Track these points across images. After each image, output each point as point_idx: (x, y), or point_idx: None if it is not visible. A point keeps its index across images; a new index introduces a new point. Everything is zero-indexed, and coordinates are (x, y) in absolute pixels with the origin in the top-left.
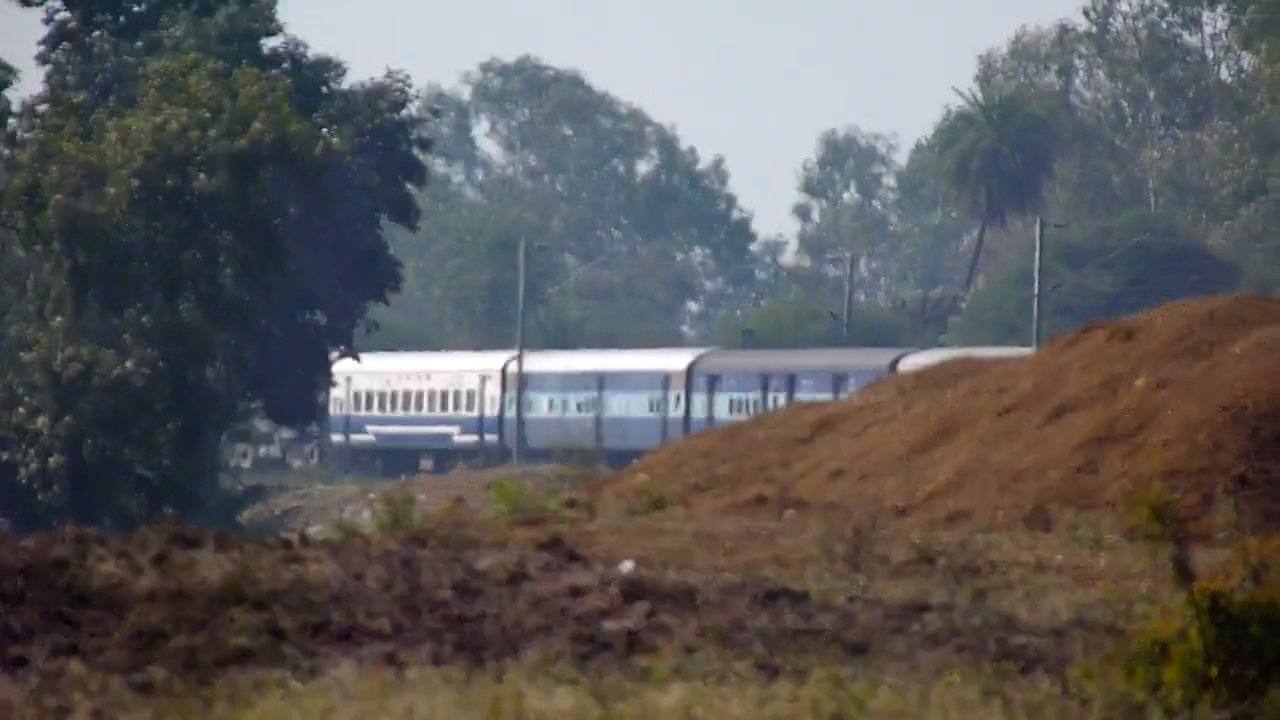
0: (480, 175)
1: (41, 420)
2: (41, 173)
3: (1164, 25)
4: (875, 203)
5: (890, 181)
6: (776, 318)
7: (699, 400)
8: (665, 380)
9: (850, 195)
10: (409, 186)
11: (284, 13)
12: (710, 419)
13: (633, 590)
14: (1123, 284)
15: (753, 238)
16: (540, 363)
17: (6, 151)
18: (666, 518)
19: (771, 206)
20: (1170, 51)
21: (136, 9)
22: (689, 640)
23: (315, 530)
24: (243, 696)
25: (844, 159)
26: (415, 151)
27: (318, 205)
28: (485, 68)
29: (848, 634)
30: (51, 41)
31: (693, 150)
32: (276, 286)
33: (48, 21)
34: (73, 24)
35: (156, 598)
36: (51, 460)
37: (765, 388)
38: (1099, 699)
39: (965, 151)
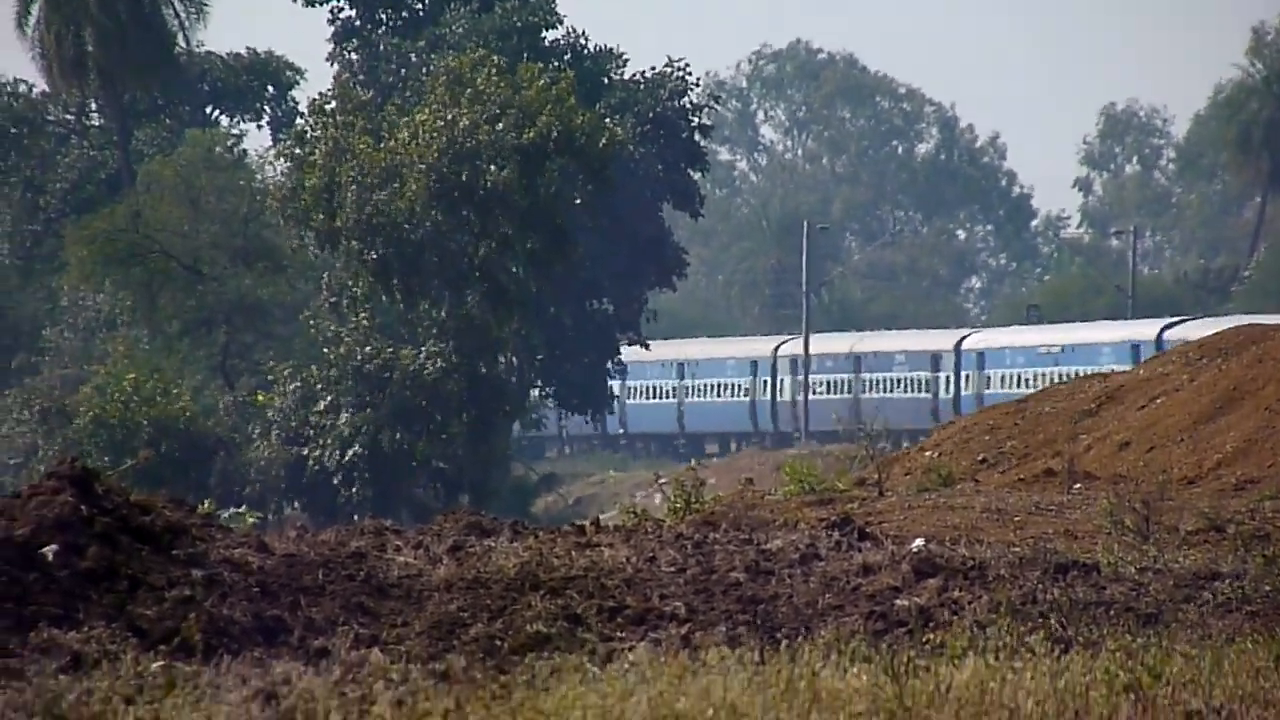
0: (763, 160)
1: (344, 416)
2: (335, 171)
3: None
4: (1156, 174)
5: (1170, 154)
6: (1061, 293)
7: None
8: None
9: (1131, 168)
10: (691, 173)
11: (562, 5)
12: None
13: (924, 567)
14: None
15: (1033, 214)
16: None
17: (298, 150)
18: (955, 494)
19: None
20: None
21: (418, 6)
22: (981, 615)
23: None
24: (541, 682)
25: (1123, 132)
26: (697, 138)
27: (603, 195)
28: (757, 54)
29: (1139, 604)
30: (338, 40)
31: (971, 128)
32: (564, 276)
33: (331, 21)
34: (356, 23)
35: (454, 587)
36: (350, 453)
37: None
38: None
39: (1247, 122)
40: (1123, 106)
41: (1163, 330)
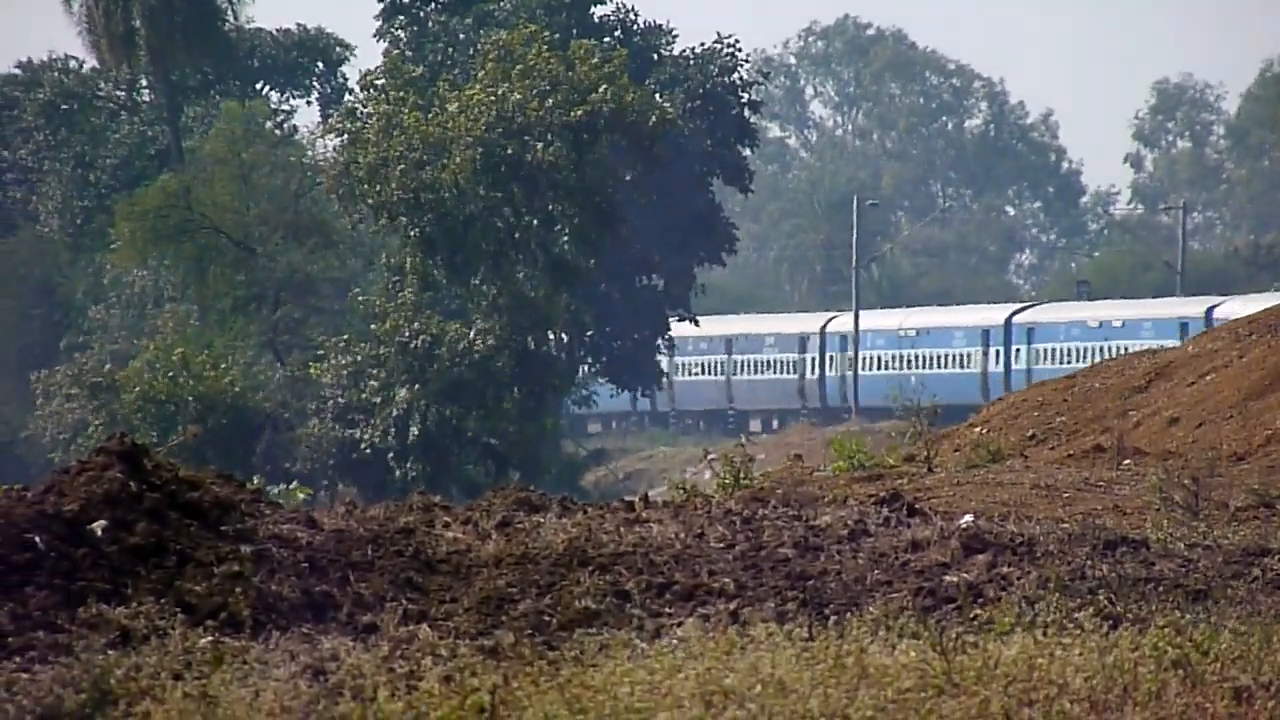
0: (813, 137)
1: (394, 393)
2: (386, 145)
3: None
4: (1207, 150)
5: (1220, 130)
6: (1111, 269)
7: (1017, 352)
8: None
9: (1182, 143)
10: (741, 149)
11: None
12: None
13: (972, 543)
14: None
15: (1083, 190)
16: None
17: (349, 126)
18: (1004, 470)
19: (1101, 158)
20: None
21: None
22: (1030, 591)
23: (657, 492)
24: (589, 658)
25: (1174, 108)
26: (746, 114)
27: (653, 171)
28: (807, 30)
29: (1188, 580)
30: (386, 15)
31: (1021, 104)
32: (613, 252)
33: None
34: (405, 0)
35: (502, 562)
36: (398, 431)
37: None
38: None
39: None
40: (1176, 81)
41: (1210, 310)
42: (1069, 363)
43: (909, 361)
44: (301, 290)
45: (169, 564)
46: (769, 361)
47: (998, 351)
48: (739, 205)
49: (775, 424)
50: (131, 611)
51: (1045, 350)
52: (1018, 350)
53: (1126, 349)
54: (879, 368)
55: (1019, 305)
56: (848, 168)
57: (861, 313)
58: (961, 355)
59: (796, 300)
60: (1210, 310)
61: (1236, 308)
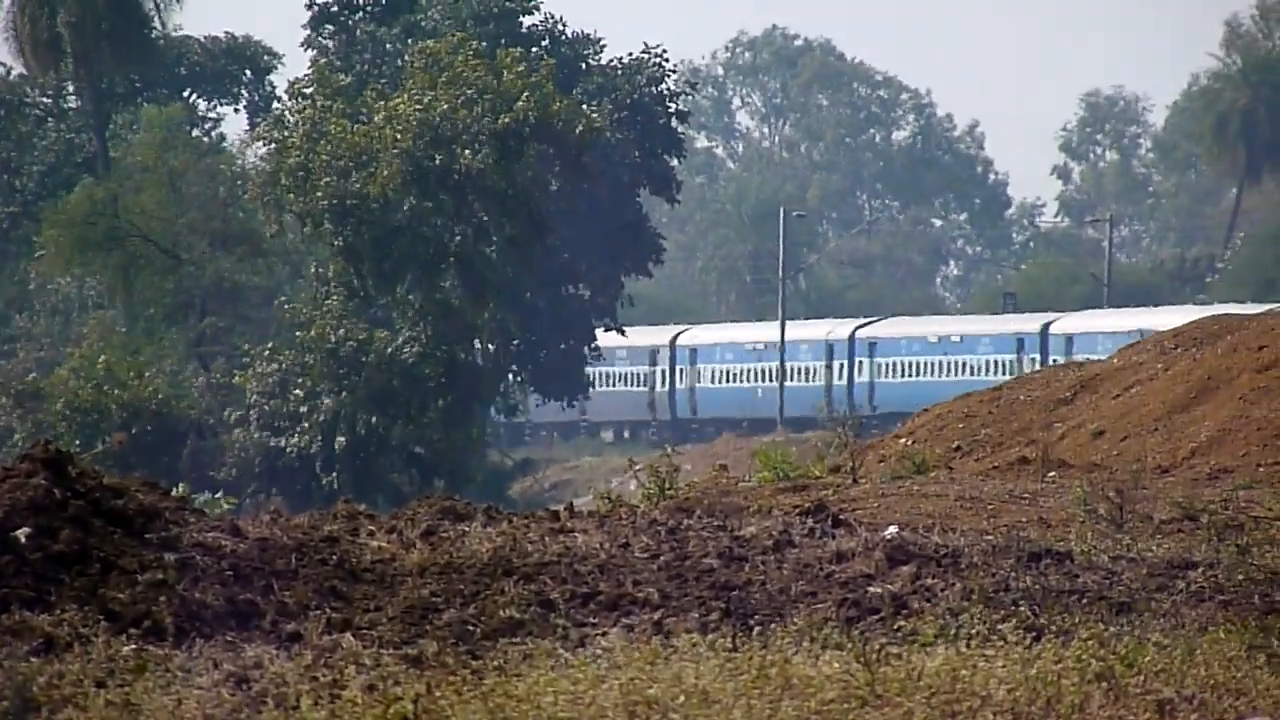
0: (740, 147)
1: (320, 401)
2: (311, 154)
3: None
4: (1135, 163)
5: (1147, 143)
6: (1037, 281)
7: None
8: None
9: (1110, 156)
10: (668, 160)
11: None
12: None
13: (897, 554)
14: None
15: (1009, 202)
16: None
17: (276, 134)
18: (929, 481)
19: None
20: None
21: None
22: (954, 603)
23: (583, 502)
24: (513, 668)
25: (1104, 120)
26: (674, 125)
27: (580, 181)
28: (735, 41)
29: (1112, 593)
30: (314, 24)
31: (949, 116)
32: (540, 262)
33: (309, 6)
34: (334, 8)
35: (427, 572)
36: (323, 439)
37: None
38: None
39: (1223, 112)
40: (1107, 94)
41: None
42: (910, 377)
43: (759, 375)
44: (229, 298)
45: (93, 571)
46: (620, 375)
47: (841, 365)
48: (666, 215)
49: (626, 434)
50: (55, 619)
51: (887, 364)
52: (860, 364)
53: (965, 364)
54: (727, 380)
55: (862, 320)
56: (775, 179)
57: (709, 328)
58: (806, 369)
59: (724, 311)
60: (1046, 326)
61: (1075, 323)
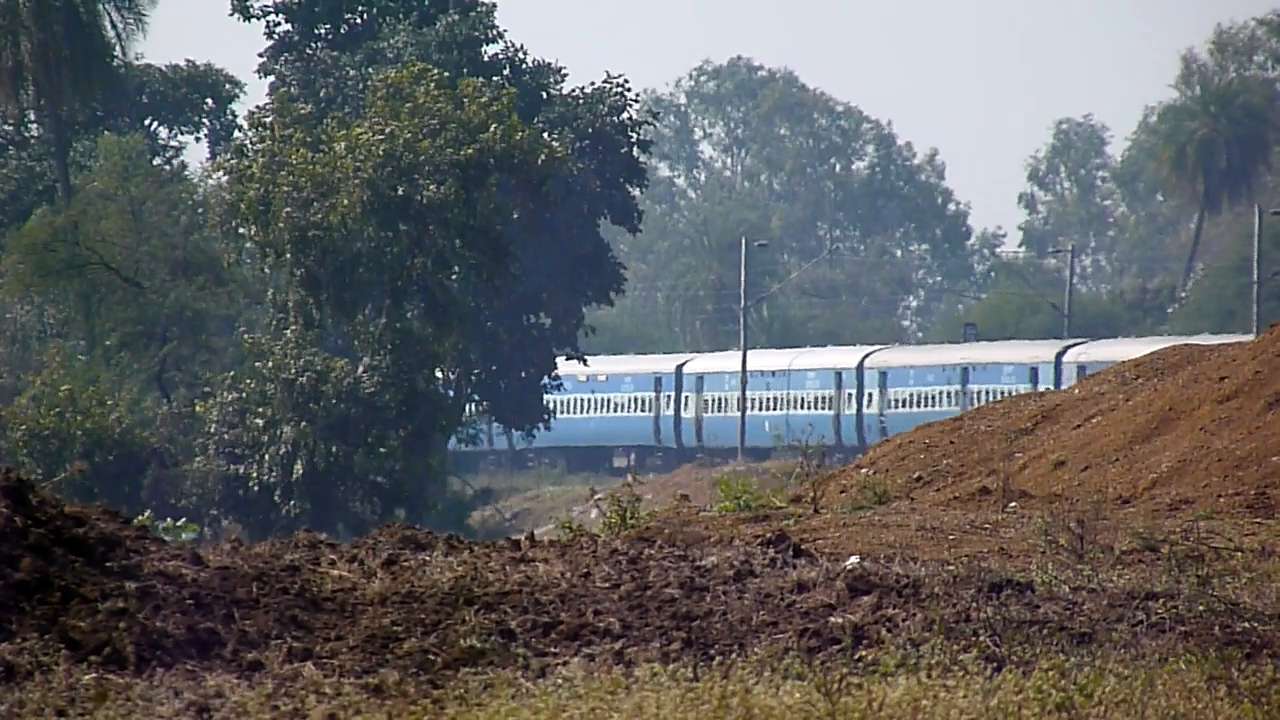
0: (702, 177)
1: (280, 430)
2: (272, 184)
3: None
4: (1095, 195)
5: (1106, 174)
6: (998, 311)
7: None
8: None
9: (1072, 186)
10: (630, 189)
11: (501, 19)
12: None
13: (858, 584)
14: None
15: (969, 232)
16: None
17: (236, 162)
18: (890, 511)
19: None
20: None
21: (356, 20)
22: (915, 633)
23: (543, 531)
24: (474, 697)
25: (1065, 151)
26: (635, 154)
27: (541, 210)
28: (698, 71)
29: (1073, 623)
30: (273, 53)
31: (909, 145)
32: (502, 291)
33: (269, 34)
34: (294, 36)
35: (387, 601)
36: (284, 468)
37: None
38: None
39: (1183, 143)
40: (1079, 122)
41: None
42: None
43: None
44: (190, 327)
45: (53, 599)
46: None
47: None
48: (627, 245)
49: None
50: (15, 647)
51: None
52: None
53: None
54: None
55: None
56: (737, 208)
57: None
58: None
59: (688, 340)
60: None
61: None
